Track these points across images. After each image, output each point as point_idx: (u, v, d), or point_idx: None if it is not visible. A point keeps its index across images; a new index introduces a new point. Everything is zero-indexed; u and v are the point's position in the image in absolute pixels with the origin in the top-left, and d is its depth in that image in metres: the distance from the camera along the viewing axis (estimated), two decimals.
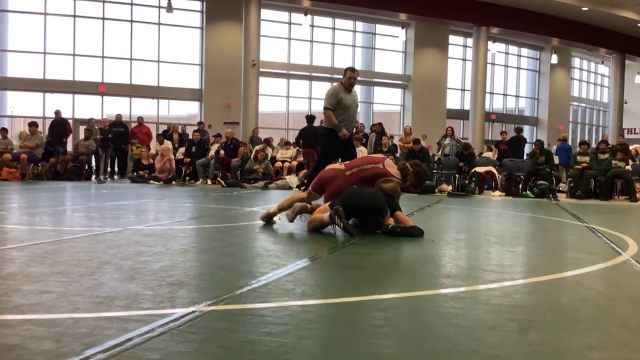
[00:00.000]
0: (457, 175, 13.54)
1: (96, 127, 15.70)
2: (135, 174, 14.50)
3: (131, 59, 20.55)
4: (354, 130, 7.64)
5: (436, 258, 3.83)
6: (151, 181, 13.95)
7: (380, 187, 4.79)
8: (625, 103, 27.74)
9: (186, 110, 23.25)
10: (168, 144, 15.18)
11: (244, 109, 18.89)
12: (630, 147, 15.29)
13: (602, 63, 30.29)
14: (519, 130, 16.79)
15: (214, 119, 19.79)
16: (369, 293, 2.64)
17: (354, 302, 2.46)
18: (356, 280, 2.95)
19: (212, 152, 14.82)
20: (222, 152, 14.59)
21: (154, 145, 15.99)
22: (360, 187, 4.73)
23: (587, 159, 13.00)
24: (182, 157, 15.10)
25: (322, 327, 2.05)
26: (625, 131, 26.53)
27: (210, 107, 20.70)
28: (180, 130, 16.53)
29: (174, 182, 14.11)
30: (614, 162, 12.42)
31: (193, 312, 2.22)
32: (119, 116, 16.62)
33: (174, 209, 7.33)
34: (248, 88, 18.81)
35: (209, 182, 14.34)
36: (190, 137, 15.70)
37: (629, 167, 12.78)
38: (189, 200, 8.95)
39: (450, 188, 12.80)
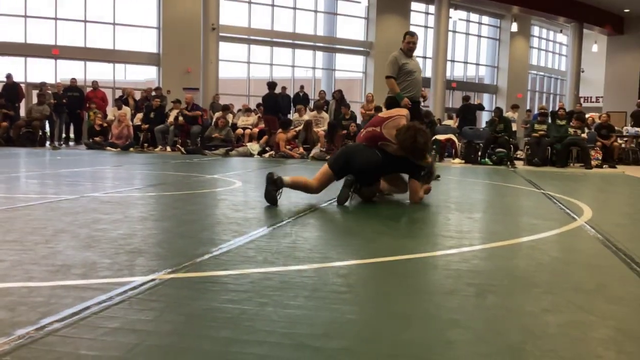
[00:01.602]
0: None
1: (50, 92, 15.22)
2: (91, 140, 14.17)
3: (85, 21, 19.86)
4: (421, 98, 7.37)
5: (397, 225, 3.87)
6: (108, 148, 13.66)
7: (385, 149, 4.66)
8: (583, 72, 28.24)
9: (144, 75, 22.70)
10: (126, 109, 14.84)
11: (203, 75, 18.51)
12: (587, 115, 15.63)
13: (561, 32, 30.66)
14: (467, 99, 17.02)
15: (173, 85, 19.38)
16: (330, 260, 2.65)
17: (316, 268, 2.46)
18: (318, 247, 2.95)
19: (171, 119, 14.56)
20: (181, 118, 14.35)
21: (110, 110, 15.62)
22: (357, 146, 4.75)
23: (544, 127, 13.24)
24: (139, 123, 14.80)
25: (283, 294, 2.05)
26: (582, 99, 27.06)
27: (169, 72, 20.24)
28: (139, 96, 16.17)
29: (131, 149, 13.85)
30: (570, 130, 12.68)
31: (152, 280, 2.19)
32: (73, 80, 16.13)
33: (132, 176, 7.20)
34: (208, 53, 18.40)
35: (168, 149, 14.12)
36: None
37: (584, 135, 13.08)
38: (147, 167, 8.80)
39: None
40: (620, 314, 1.95)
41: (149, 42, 20.78)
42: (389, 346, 1.60)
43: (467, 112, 16.31)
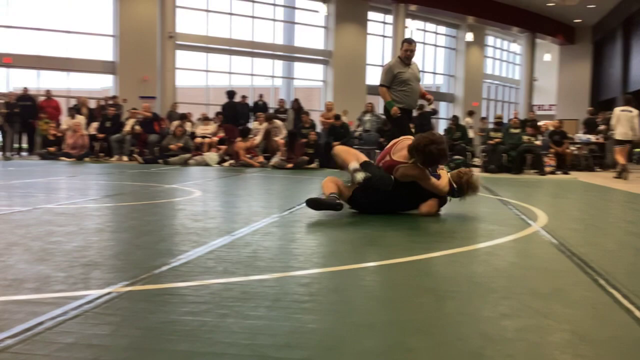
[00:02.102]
0: (377, 151, 13.76)
1: (1, 101, 14.81)
2: (45, 150, 13.83)
3: (39, 29, 19.41)
4: (426, 105, 7.34)
5: (358, 233, 3.88)
6: (62, 158, 13.34)
7: (397, 177, 4.57)
8: (536, 80, 28.98)
9: (100, 84, 22.29)
10: (80, 118, 14.53)
11: (160, 83, 18.32)
12: (540, 123, 16.02)
13: (515, 41, 31.46)
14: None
15: (130, 93, 19.10)
16: (292, 269, 2.63)
17: (277, 278, 2.45)
18: (279, 256, 2.93)
19: (127, 127, 14.32)
20: (137, 127, 14.14)
21: (64, 120, 15.28)
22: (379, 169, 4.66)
23: (499, 134, 13.52)
24: (94, 132, 14.52)
25: (244, 305, 2.03)
26: (535, 107, 27.76)
27: (125, 81, 19.93)
28: (94, 105, 15.87)
29: (87, 159, 13.57)
30: (524, 137, 12.98)
31: (109, 293, 2.14)
32: (25, 89, 15.73)
33: (88, 187, 7.04)
34: (165, 61, 18.23)
35: (125, 158, 13.88)
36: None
37: (538, 142, 13.40)
38: (103, 177, 8.63)
39: None
40: (576, 318, 1.99)
41: (105, 50, 20.43)
42: (351, 355, 1.60)
43: (423, 120, 16.55)
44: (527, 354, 1.64)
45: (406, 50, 7.14)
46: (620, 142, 11.54)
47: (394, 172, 4.55)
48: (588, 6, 25.14)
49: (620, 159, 11.41)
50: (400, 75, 7.04)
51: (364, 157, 4.67)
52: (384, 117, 17.16)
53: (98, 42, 20.37)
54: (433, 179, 4.51)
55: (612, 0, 23.77)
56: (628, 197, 7.39)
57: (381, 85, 7.13)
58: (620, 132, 11.48)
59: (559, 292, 2.33)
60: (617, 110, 11.77)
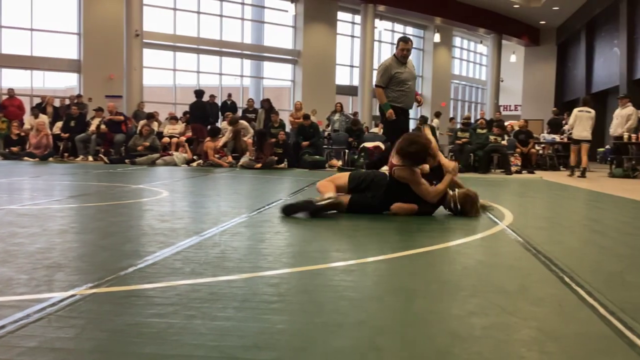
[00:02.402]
0: (346, 150, 13.80)
1: None
2: (7, 150, 13.51)
3: (1, 27, 18.97)
4: (415, 103, 7.10)
5: (327, 233, 3.88)
6: (25, 158, 13.06)
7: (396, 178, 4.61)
8: (502, 81, 29.41)
9: (64, 83, 21.85)
10: (44, 117, 14.25)
11: (127, 82, 18.03)
12: (506, 123, 16.26)
13: (481, 42, 31.88)
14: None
15: (95, 92, 18.78)
16: (260, 269, 2.62)
17: (245, 278, 2.43)
18: (248, 257, 2.91)
19: (93, 127, 14.09)
20: (103, 126, 13.92)
21: (28, 119, 14.95)
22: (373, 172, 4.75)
23: (466, 134, 13.69)
24: (59, 132, 14.24)
25: (212, 306, 2.00)
26: (502, 108, 28.16)
27: (90, 80, 19.58)
28: (58, 104, 15.56)
29: (51, 159, 13.31)
30: (491, 137, 13.16)
31: (73, 295, 2.09)
32: None
33: (52, 187, 6.90)
34: (131, 60, 17.95)
35: (90, 158, 13.65)
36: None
37: (504, 142, 13.60)
38: (68, 177, 8.47)
39: (340, 163, 13.03)
40: (541, 315, 2.02)
41: (69, 49, 20.04)
42: (320, 355, 1.59)
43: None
44: (494, 351, 1.66)
45: (402, 49, 6.96)
46: (576, 142, 12.04)
47: (393, 174, 4.62)
48: (553, 8, 25.63)
49: (573, 158, 11.97)
50: (398, 75, 6.88)
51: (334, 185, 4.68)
52: (352, 116, 17.28)
53: (62, 40, 19.98)
54: (425, 185, 4.54)
55: (576, 2, 24.25)
56: (591, 195, 7.54)
57: (377, 85, 6.97)
58: (578, 131, 11.95)
59: (525, 290, 2.36)
60: (576, 110, 12.20)
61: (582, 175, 11.48)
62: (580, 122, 11.93)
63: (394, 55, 7.06)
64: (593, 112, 12.00)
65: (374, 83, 7.15)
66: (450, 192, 4.61)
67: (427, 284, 2.45)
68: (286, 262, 2.83)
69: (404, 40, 7.02)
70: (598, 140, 20.76)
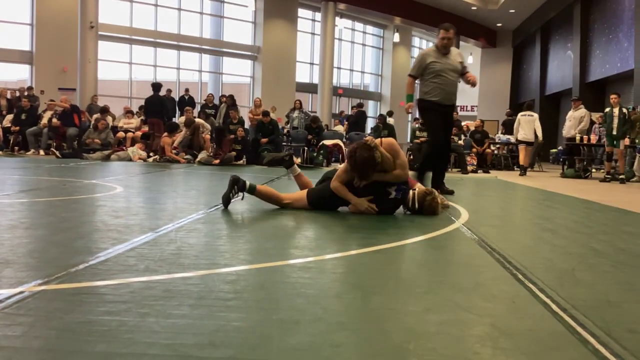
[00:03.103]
0: (305, 148, 13.79)
1: None
2: None
3: None
4: (469, 84, 6.46)
5: (284, 230, 3.86)
6: None
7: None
8: (459, 82, 29.86)
9: (16, 75, 21.19)
10: None
11: (80, 75, 17.60)
12: (463, 123, 16.54)
13: None
14: (360, 106, 17.55)
15: (47, 85, 18.28)
16: (217, 266, 2.58)
17: (202, 275, 2.39)
18: (204, 253, 2.87)
19: (44, 120, 13.71)
20: (55, 120, 13.56)
21: None
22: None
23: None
24: (9, 125, 13.81)
25: (166, 303, 1.96)
26: (459, 108, 28.58)
27: (43, 72, 19.06)
28: (9, 96, 15.08)
29: (0, 153, 12.90)
30: None
31: (21, 292, 2.02)
32: None
33: (1, 182, 6.68)
34: (85, 52, 17.52)
35: (42, 152, 13.29)
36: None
37: (461, 142, 13.82)
38: (18, 172, 8.21)
39: (299, 160, 13.01)
40: (495, 312, 2.05)
41: (20, 39, 19.44)
42: (276, 352, 1.57)
43: (361, 118, 16.85)
44: (449, 347, 1.67)
45: (442, 37, 6.35)
46: (521, 143, 13.09)
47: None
48: (509, 11, 26.16)
49: (522, 158, 12.95)
50: (432, 66, 6.33)
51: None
52: (312, 114, 17.29)
53: (14, 31, 19.36)
54: (350, 196, 4.52)
55: (532, 5, 24.81)
56: (544, 195, 7.73)
57: (409, 75, 6.53)
58: (521, 134, 13.06)
59: (480, 287, 2.39)
60: (519, 115, 13.39)
61: (523, 174, 12.13)
62: (523, 125, 13.02)
63: (435, 44, 6.55)
64: (535, 115, 13.13)
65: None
66: (411, 192, 4.64)
67: (384, 281, 2.45)
68: (243, 259, 2.80)
69: (444, 29, 6.37)
70: (551, 142, 21.33)
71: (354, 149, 4.39)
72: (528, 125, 13.05)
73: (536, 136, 13.18)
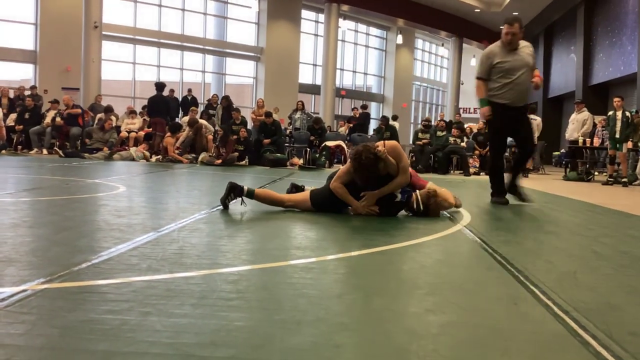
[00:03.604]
0: (308, 149, 13.79)
1: None
2: None
3: None
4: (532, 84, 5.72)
5: (287, 230, 3.86)
6: None
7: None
8: (462, 84, 29.87)
9: (19, 74, 21.21)
10: None
11: (84, 74, 17.63)
12: (465, 126, 16.53)
13: (442, 45, 32.34)
14: (365, 107, 17.55)
15: (51, 84, 18.31)
16: (219, 266, 2.58)
17: (204, 275, 2.39)
18: (206, 253, 2.87)
19: (48, 119, 13.73)
20: (58, 119, 13.57)
21: None
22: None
23: (427, 135, 13.86)
24: (12, 124, 13.84)
25: (168, 303, 1.97)
26: (461, 110, 28.62)
27: (47, 71, 19.09)
28: (12, 95, 15.10)
29: (3, 151, 12.92)
30: (450, 139, 13.35)
31: (24, 290, 2.03)
32: None
33: (4, 180, 6.70)
34: (89, 52, 17.55)
35: (45, 151, 13.31)
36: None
37: (463, 144, 13.81)
38: (21, 170, 8.23)
39: (301, 161, 13.01)
40: (497, 314, 2.05)
41: (25, 39, 19.47)
42: (278, 352, 1.58)
43: (366, 120, 16.90)
44: (450, 348, 1.67)
45: (506, 33, 5.71)
46: None
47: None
48: (513, 13, 26.12)
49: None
50: (499, 65, 5.69)
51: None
52: (315, 115, 17.28)
53: (18, 30, 19.40)
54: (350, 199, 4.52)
55: (535, 8, 24.80)
56: (547, 197, 7.71)
57: (477, 77, 5.89)
58: None
59: (482, 289, 2.40)
60: None
61: (525, 175, 12.31)
62: None
63: (501, 40, 5.87)
64: (538, 119, 13.35)
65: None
66: (414, 194, 4.63)
67: (386, 282, 2.46)
68: (245, 259, 2.81)
69: (508, 22, 5.76)
70: (554, 144, 21.31)
71: (359, 152, 4.38)
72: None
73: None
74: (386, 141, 4.69)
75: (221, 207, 4.47)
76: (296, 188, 5.18)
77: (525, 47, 5.90)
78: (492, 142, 6.28)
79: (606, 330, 1.85)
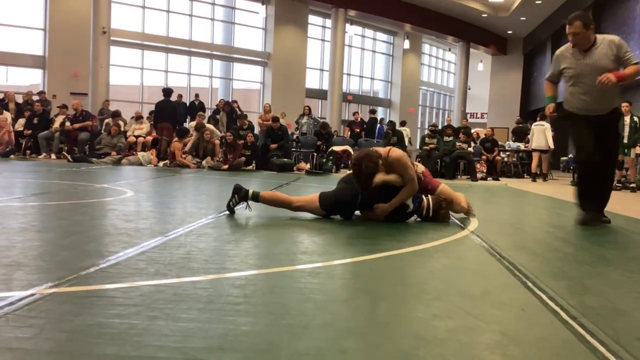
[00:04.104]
0: (315, 154, 13.80)
1: None
2: None
3: None
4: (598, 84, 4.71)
5: (293, 235, 3.86)
6: None
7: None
8: (469, 89, 29.83)
9: (28, 79, 21.35)
10: (7, 114, 13.90)
11: (92, 80, 17.71)
12: (472, 131, 16.49)
13: (449, 50, 32.31)
14: (373, 112, 17.54)
15: (59, 89, 18.41)
16: (226, 270, 2.59)
17: (211, 279, 2.40)
18: (213, 258, 2.88)
19: (56, 124, 13.81)
20: (68, 123, 13.64)
21: None
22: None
23: (434, 140, 13.84)
24: (21, 128, 13.93)
25: (175, 307, 1.97)
26: (468, 115, 28.55)
27: (55, 76, 19.19)
28: (21, 100, 15.20)
29: (12, 156, 13.00)
30: (457, 144, 13.33)
31: (32, 294, 2.04)
32: None
33: (13, 185, 6.74)
34: (97, 57, 17.64)
35: (53, 156, 13.37)
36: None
37: (470, 149, 13.78)
38: (30, 175, 8.27)
39: (308, 166, 13.01)
40: (505, 319, 2.04)
41: (33, 44, 19.60)
42: (284, 357, 1.58)
43: (374, 125, 16.90)
44: (457, 354, 1.67)
45: (568, 34, 4.92)
46: (535, 151, 13.76)
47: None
48: (520, 18, 26.11)
49: (534, 165, 13.67)
50: (565, 71, 5.06)
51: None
52: (322, 120, 17.30)
53: (27, 36, 19.53)
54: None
55: (542, 13, 24.74)
56: (554, 202, 7.68)
57: (545, 79, 5.44)
58: (535, 143, 13.71)
59: (489, 294, 2.39)
60: (532, 124, 14.07)
61: (544, 180, 12.30)
62: (536, 134, 13.68)
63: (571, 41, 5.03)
64: (547, 125, 13.58)
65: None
66: (425, 200, 4.60)
67: (392, 287, 2.45)
68: (252, 264, 2.81)
69: (568, 22, 4.89)
70: (561, 149, 21.20)
71: (360, 158, 4.37)
72: (540, 134, 13.58)
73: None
74: (392, 150, 4.58)
75: (228, 212, 4.48)
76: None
77: (603, 45, 4.88)
78: (578, 152, 5.15)
79: (614, 336, 1.85)
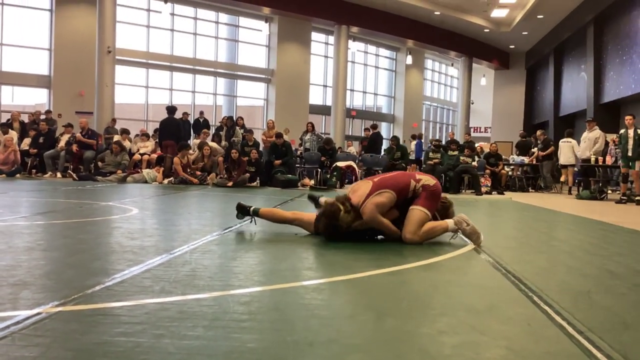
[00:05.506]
0: (319, 170, 13.82)
1: None
2: None
3: None
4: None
5: (298, 251, 3.86)
6: None
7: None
8: (472, 103, 29.88)
9: (34, 99, 21.51)
10: (13, 133, 13.98)
11: (98, 98, 17.85)
12: (476, 145, 16.49)
13: (452, 65, 32.43)
14: (374, 127, 17.59)
15: (65, 108, 18.54)
16: (231, 287, 2.59)
17: (216, 297, 2.40)
18: (218, 275, 2.88)
19: (62, 143, 13.88)
20: (75, 146, 13.72)
21: None
22: None
23: (438, 155, 13.85)
24: (27, 148, 14.00)
25: (181, 325, 1.97)
26: (472, 129, 28.58)
27: (61, 95, 19.35)
28: (27, 120, 15.29)
29: (18, 175, 13.06)
30: (461, 158, 13.33)
31: (38, 313, 2.04)
32: None
33: (18, 204, 6.76)
34: (103, 76, 17.79)
35: (59, 175, 13.43)
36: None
37: (475, 163, 13.77)
38: (35, 194, 8.31)
39: (312, 182, 13.03)
40: (511, 334, 2.03)
41: (39, 64, 19.78)
42: None
43: (378, 140, 16.94)
44: None
45: None
46: (564, 167, 14.36)
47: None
48: (522, 33, 26.21)
49: (564, 178, 14.47)
50: None
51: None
52: (326, 136, 17.33)
53: (32, 56, 19.72)
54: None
55: (545, 28, 24.85)
56: (559, 216, 7.66)
57: None
58: (563, 158, 14.27)
59: (495, 309, 2.38)
60: (560, 142, 14.63)
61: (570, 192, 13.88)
62: (563, 151, 14.24)
63: None
64: (573, 141, 14.14)
65: None
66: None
67: (398, 302, 2.45)
68: (257, 281, 2.81)
69: None
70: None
71: (330, 204, 4.23)
72: (568, 150, 14.19)
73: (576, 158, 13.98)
74: (366, 206, 4.15)
75: (234, 228, 4.49)
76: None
77: None
78: None
79: (621, 350, 1.84)
